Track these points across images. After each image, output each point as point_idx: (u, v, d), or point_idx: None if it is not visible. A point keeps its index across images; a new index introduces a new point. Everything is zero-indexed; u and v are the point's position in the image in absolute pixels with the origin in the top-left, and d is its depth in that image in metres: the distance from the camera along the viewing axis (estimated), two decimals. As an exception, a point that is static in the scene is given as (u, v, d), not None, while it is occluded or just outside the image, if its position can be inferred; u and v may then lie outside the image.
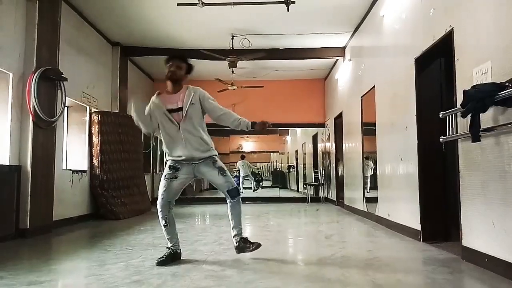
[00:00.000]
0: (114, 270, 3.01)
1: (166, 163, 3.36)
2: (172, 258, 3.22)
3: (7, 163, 4.57)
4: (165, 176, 3.27)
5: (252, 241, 3.33)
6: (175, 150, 3.25)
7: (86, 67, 6.71)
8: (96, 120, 6.81)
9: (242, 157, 15.15)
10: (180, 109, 3.21)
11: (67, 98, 5.51)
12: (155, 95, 3.35)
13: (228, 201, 3.32)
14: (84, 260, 3.62)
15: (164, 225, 3.27)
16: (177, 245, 3.32)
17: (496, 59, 2.88)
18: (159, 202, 3.26)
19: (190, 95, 3.25)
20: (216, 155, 3.33)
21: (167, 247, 3.31)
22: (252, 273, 2.94)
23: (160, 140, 11.49)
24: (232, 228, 3.36)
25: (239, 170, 15.12)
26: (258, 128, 3.29)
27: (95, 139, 6.79)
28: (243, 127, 3.30)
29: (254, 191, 14.66)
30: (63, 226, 5.51)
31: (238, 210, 3.33)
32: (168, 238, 3.31)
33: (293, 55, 8.28)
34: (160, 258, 3.18)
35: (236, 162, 15.76)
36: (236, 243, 3.34)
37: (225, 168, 3.32)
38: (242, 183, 15.30)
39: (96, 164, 6.74)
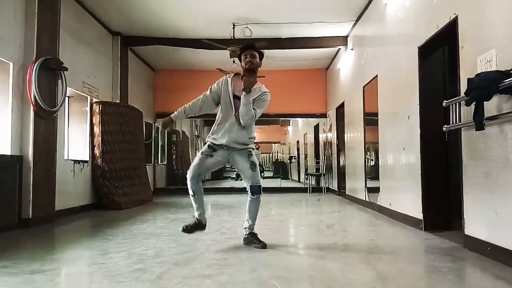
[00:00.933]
0: (117, 258, 3.02)
1: (206, 142, 3.50)
2: (196, 227, 3.45)
3: (9, 153, 4.56)
4: (202, 152, 3.44)
5: (260, 239, 3.43)
6: (221, 132, 3.38)
7: (87, 57, 6.68)
8: (97, 110, 6.79)
9: (257, 148, 15.46)
10: None
11: (68, 88, 5.49)
12: (232, 75, 3.50)
13: (249, 195, 3.44)
14: (86, 249, 3.63)
15: (192, 195, 3.41)
16: (202, 215, 3.48)
17: (501, 47, 2.84)
18: (189, 175, 3.37)
19: (257, 93, 3.41)
20: (253, 148, 3.48)
21: (193, 216, 3.50)
22: (254, 262, 2.95)
23: (162, 132, 11.60)
24: (246, 220, 3.51)
25: None
26: (247, 84, 3.32)
27: (96, 129, 6.78)
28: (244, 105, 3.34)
29: None
30: (65, 216, 5.53)
31: (256, 206, 3.47)
32: (195, 207, 3.47)
33: (294, 44, 8.22)
34: (186, 225, 3.44)
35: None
36: (246, 235, 3.49)
37: (257, 164, 3.46)
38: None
39: (97, 154, 6.74)
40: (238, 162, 3.42)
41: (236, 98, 3.36)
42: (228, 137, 3.35)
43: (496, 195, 2.89)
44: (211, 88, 3.49)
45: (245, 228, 3.52)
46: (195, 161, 3.43)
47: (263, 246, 3.35)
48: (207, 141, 3.48)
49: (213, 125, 3.47)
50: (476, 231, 3.17)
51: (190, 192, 3.41)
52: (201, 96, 3.50)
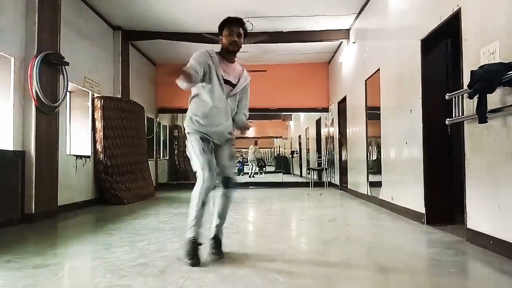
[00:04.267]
0: (119, 253, 3.03)
1: (190, 132, 2.83)
2: (198, 248, 2.70)
3: (11, 149, 4.57)
4: (203, 149, 2.72)
5: (219, 250, 2.84)
6: (212, 119, 2.78)
7: (88, 51, 6.66)
8: (98, 105, 6.79)
9: (255, 143, 15.82)
10: (233, 85, 2.87)
11: (69, 83, 5.48)
12: (213, 51, 2.86)
13: (222, 189, 2.88)
14: (89, 243, 3.64)
15: (201, 206, 2.70)
16: (200, 233, 2.77)
17: (504, 39, 2.82)
18: (207, 176, 2.66)
19: (246, 81, 2.98)
20: (233, 137, 3.02)
21: (189, 238, 2.74)
22: (256, 256, 2.95)
23: (164, 126, 11.60)
24: (215, 219, 2.93)
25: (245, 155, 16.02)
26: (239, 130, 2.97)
27: (98, 124, 6.78)
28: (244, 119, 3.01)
29: (251, 176, 15.02)
30: (68, 211, 5.54)
31: (230, 203, 2.95)
32: (195, 223, 2.72)
33: (296, 38, 8.17)
34: (189, 257, 2.64)
35: (239, 147, 16.32)
36: (212, 235, 2.90)
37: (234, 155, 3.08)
38: (242, 169, 15.85)
39: (99, 150, 6.74)
40: (220, 149, 2.88)
41: (226, 82, 2.83)
42: (222, 124, 2.83)
43: (499, 188, 2.88)
44: (198, 61, 2.74)
45: (216, 226, 2.91)
46: (203, 165, 2.68)
47: (195, 263, 2.59)
48: (194, 129, 2.80)
49: (199, 106, 2.81)
50: (479, 224, 3.16)
51: (200, 201, 2.67)
52: (196, 67, 2.69)
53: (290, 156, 18.53)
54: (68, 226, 4.78)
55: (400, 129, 5.02)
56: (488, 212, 3.03)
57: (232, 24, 2.86)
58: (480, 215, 3.16)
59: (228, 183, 2.89)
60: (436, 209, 4.15)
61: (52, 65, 5.07)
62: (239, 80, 2.92)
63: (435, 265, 2.72)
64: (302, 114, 14.95)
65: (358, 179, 7.34)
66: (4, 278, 2.43)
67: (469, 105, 3.18)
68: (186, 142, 2.90)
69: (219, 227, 2.94)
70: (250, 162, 15.97)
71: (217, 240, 2.89)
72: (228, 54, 2.89)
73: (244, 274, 2.46)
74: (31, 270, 2.59)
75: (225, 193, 2.91)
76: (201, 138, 2.78)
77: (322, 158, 10.97)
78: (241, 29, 2.87)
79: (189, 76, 2.59)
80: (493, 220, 2.97)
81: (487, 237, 3.00)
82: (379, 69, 5.88)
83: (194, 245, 2.67)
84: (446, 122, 3.50)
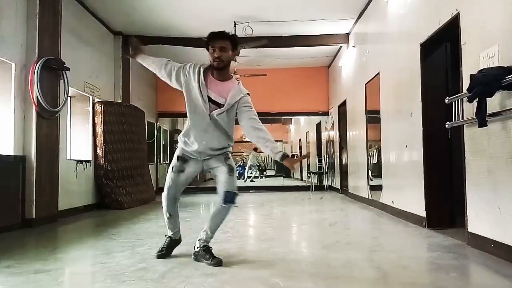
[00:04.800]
0: (120, 258, 3.03)
1: (175, 152, 2.97)
2: (172, 246, 3.06)
3: (12, 154, 4.58)
4: (172, 168, 2.89)
5: (214, 255, 2.83)
6: (192, 138, 2.81)
7: (88, 56, 6.69)
8: (99, 110, 6.80)
9: (255, 149, 15.84)
10: (220, 105, 2.75)
11: (69, 88, 5.49)
12: (202, 67, 2.79)
13: (219, 203, 2.85)
14: (90, 248, 3.64)
15: (168, 218, 2.98)
16: (177, 232, 3.09)
17: (503, 43, 2.83)
18: (164, 195, 2.92)
19: (239, 96, 2.77)
20: (229, 151, 2.93)
21: (166, 235, 3.11)
22: (257, 260, 2.95)
23: (164, 131, 11.61)
24: (203, 231, 2.91)
25: (246, 160, 16.21)
26: (288, 164, 2.66)
27: (99, 129, 6.79)
28: (272, 154, 2.72)
29: (251, 181, 15.12)
30: (68, 216, 5.54)
31: (223, 216, 2.91)
32: (170, 228, 3.05)
33: (296, 42, 8.20)
34: (160, 249, 3.02)
35: (240, 151, 16.42)
36: (198, 248, 2.88)
37: (235, 169, 2.92)
38: (243, 173, 15.94)
39: (100, 154, 6.75)
40: (214, 168, 2.89)
41: (211, 101, 2.75)
42: (204, 142, 2.80)
43: (499, 192, 2.88)
44: (172, 63, 2.88)
45: (199, 239, 2.89)
46: (167, 181, 2.89)
47: (218, 262, 2.73)
48: (178, 146, 2.94)
49: (186, 123, 2.90)
50: (479, 228, 3.15)
51: (166, 215, 2.96)
52: (168, 64, 2.88)
53: (291, 160, 18.52)
54: (68, 231, 4.77)
55: (400, 132, 5.03)
56: (488, 216, 3.02)
57: (213, 39, 2.73)
58: (480, 218, 3.15)
59: (226, 198, 2.81)
60: (437, 213, 4.14)
61: (52, 70, 5.09)
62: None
63: (436, 269, 2.71)
64: (302, 118, 14.99)
65: (358, 182, 7.34)
66: (4, 284, 2.43)
67: (469, 109, 3.19)
68: None
69: (207, 239, 2.90)
70: (251, 167, 16.07)
71: (207, 249, 2.85)
72: (216, 71, 2.77)
73: (244, 279, 2.46)
74: (31, 275, 2.59)
75: (222, 206, 2.86)
76: (178, 157, 2.92)
77: (323, 161, 10.98)
78: (224, 41, 2.73)
79: (140, 50, 2.98)
80: (493, 224, 2.96)
81: (488, 240, 3.00)
82: (378, 73, 5.90)
83: (168, 242, 3.06)
84: (446, 125, 3.50)
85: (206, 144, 2.81)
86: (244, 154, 17.27)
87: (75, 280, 2.73)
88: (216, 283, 2.36)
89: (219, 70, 2.76)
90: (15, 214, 4.54)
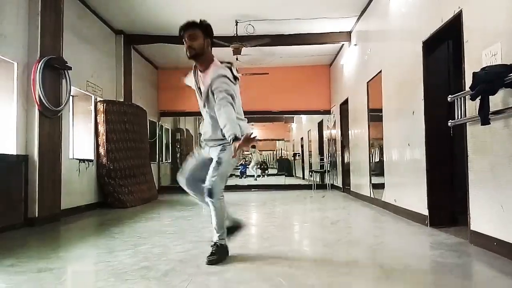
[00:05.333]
0: (122, 256, 3.03)
1: None
2: (234, 230, 3.12)
3: (14, 153, 4.59)
4: (191, 154, 3.14)
5: (213, 252, 2.80)
6: (201, 128, 3.16)
7: (90, 55, 6.69)
8: (101, 109, 6.81)
9: (253, 147, 15.69)
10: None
11: (72, 87, 5.50)
12: (192, 68, 2.98)
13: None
14: (92, 247, 3.65)
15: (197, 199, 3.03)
16: (229, 215, 3.10)
17: (506, 40, 2.82)
18: (179, 179, 2.99)
19: (209, 81, 2.77)
20: (227, 143, 2.73)
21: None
22: (259, 259, 2.95)
23: (166, 130, 11.63)
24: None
25: (249, 158, 16.07)
26: (233, 146, 2.58)
27: (101, 128, 6.80)
28: (228, 139, 2.65)
29: (255, 179, 15.02)
30: (71, 215, 5.56)
31: (214, 212, 2.82)
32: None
33: (298, 41, 8.18)
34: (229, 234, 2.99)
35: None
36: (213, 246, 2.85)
37: (223, 162, 2.80)
38: (245, 172, 15.88)
39: (102, 153, 6.76)
40: (211, 157, 2.90)
41: (201, 93, 2.87)
42: (203, 134, 2.99)
43: (502, 189, 2.87)
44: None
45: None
46: (187, 160, 3.08)
47: (209, 262, 2.72)
48: None
49: None
50: (482, 226, 3.15)
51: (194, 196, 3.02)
52: None
53: (293, 158, 18.53)
54: (71, 229, 4.79)
55: (402, 131, 5.02)
56: (491, 214, 3.02)
57: (183, 30, 2.78)
58: (483, 216, 3.15)
59: (205, 193, 2.80)
60: (439, 211, 4.13)
61: (54, 70, 5.09)
62: None
63: (439, 267, 2.71)
64: (304, 117, 14.97)
65: (360, 181, 7.33)
66: (7, 282, 2.44)
67: (472, 107, 3.18)
68: None
69: (214, 238, 2.90)
70: (252, 166, 16.02)
71: (212, 246, 2.86)
72: (199, 64, 2.86)
73: (247, 277, 2.46)
74: (34, 274, 2.60)
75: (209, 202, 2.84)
76: (200, 145, 3.10)
77: (325, 160, 10.97)
78: (193, 29, 2.75)
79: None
80: (496, 222, 2.96)
81: (491, 238, 2.99)
82: (380, 71, 5.88)
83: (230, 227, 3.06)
84: (449, 123, 3.50)
85: (205, 134, 2.99)
86: (246, 152, 17.26)
87: (78, 278, 2.74)
88: (218, 282, 2.36)
89: (196, 59, 2.82)
90: (18, 213, 4.55)
